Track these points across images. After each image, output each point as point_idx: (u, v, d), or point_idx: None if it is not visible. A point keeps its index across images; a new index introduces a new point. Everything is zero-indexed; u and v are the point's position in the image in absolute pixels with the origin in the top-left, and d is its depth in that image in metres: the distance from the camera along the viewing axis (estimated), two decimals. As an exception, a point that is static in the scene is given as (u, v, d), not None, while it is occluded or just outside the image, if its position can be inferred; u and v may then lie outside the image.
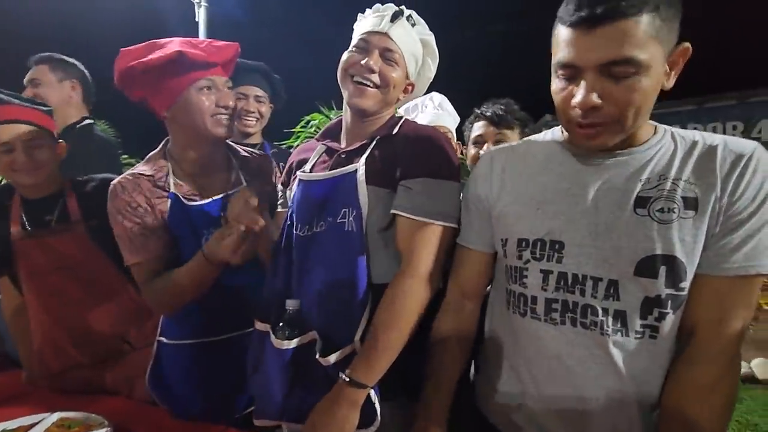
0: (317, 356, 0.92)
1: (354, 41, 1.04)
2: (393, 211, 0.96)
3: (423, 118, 1.69)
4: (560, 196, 0.83)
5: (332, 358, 0.92)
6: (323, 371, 0.94)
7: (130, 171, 1.18)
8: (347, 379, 0.88)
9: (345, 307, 0.95)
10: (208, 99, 1.12)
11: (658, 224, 0.73)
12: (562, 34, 0.73)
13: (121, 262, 1.17)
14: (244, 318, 1.20)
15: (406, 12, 1.04)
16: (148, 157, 1.22)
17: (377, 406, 0.91)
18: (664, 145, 0.79)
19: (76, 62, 1.94)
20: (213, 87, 1.14)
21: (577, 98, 0.73)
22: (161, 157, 1.20)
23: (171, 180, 1.16)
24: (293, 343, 0.94)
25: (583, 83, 0.72)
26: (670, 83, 0.75)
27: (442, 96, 1.75)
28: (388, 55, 1.02)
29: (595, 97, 0.71)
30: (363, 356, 0.91)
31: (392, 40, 1.01)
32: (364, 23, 1.04)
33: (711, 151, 0.74)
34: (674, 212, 0.73)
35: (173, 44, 1.11)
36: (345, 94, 1.04)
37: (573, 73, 0.74)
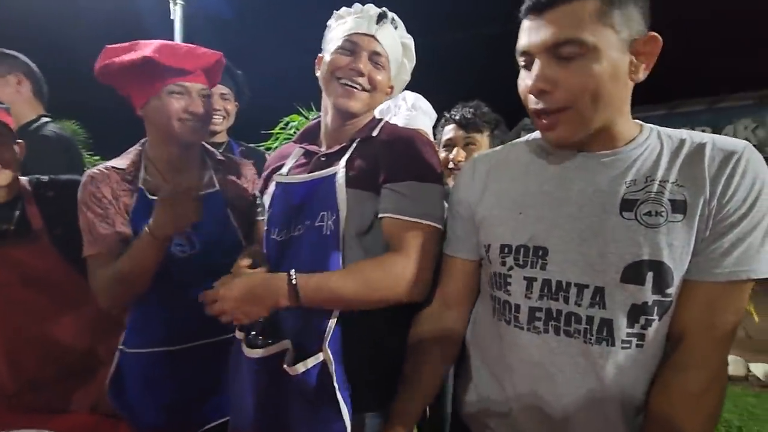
0: (285, 366, 0.89)
1: (338, 42, 1.01)
2: (381, 215, 0.94)
3: (397, 120, 1.64)
4: (543, 200, 0.81)
5: (300, 367, 0.88)
6: (295, 382, 0.90)
7: (104, 164, 1.20)
8: (292, 275, 0.88)
9: (317, 312, 0.92)
10: (177, 103, 1.15)
11: (645, 228, 0.71)
12: (521, 26, 0.77)
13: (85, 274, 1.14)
14: (210, 326, 1.16)
15: (390, 15, 1.03)
16: (125, 152, 1.25)
17: (347, 420, 0.88)
18: (650, 145, 0.77)
19: (18, 54, 1.80)
20: (184, 92, 1.15)
21: (528, 83, 0.75)
22: (136, 153, 1.22)
23: (141, 175, 1.18)
24: (264, 352, 0.91)
25: (534, 67, 0.74)
26: (640, 75, 0.74)
27: (416, 95, 1.72)
28: (375, 59, 1.01)
29: (543, 81, 0.73)
30: (318, 276, 0.89)
31: (379, 42, 1.00)
32: (348, 24, 1.02)
33: (699, 150, 0.72)
34: (662, 216, 0.71)
35: (149, 47, 1.12)
36: (330, 96, 1.02)
37: (529, 60, 0.75)
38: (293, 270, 0.89)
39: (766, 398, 3.01)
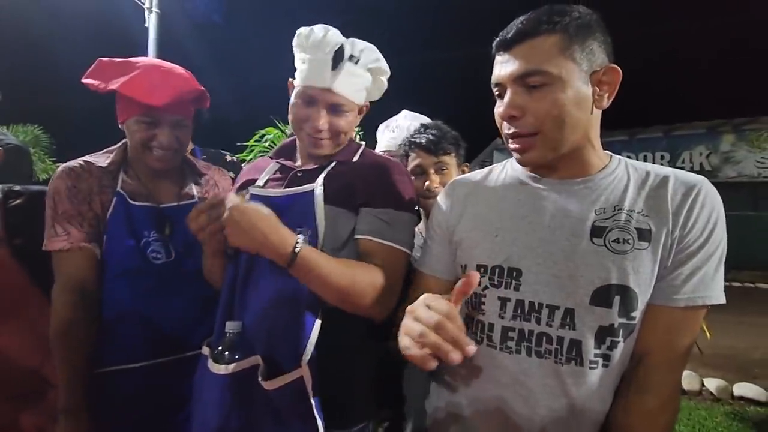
0: (260, 380, 0.87)
1: (299, 87, 1.00)
2: (359, 236, 0.97)
3: (383, 140, 1.68)
4: (518, 223, 0.84)
5: (277, 382, 0.86)
6: (265, 399, 0.88)
7: (84, 158, 1.18)
8: (299, 240, 0.86)
9: (293, 329, 0.91)
10: (145, 134, 1.14)
11: (613, 254, 0.75)
12: (494, 61, 0.83)
13: (44, 287, 1.11)
14: (186, 338, 1.16)
15: (347, 51, 0.98)
16: (106, 150, 1.23)
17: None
18: (618, 176, 0.82)
19: None
20: (154, 123, 1.15)
21: (500, 110, 0.81)
22: (119, 154, 1.21)
23: (121, 177, 1.18)
24: (231, 368, 0.88)
25: (506, 96, 0.80)
26: (604, 104, 0.80)
27: (414, 114, 1.71)
28: (335, 108, 1.00)
29: (512, 108, 0.79)
30: (322, 255, 0.89)
31: (337, 93, 0.98)
32: (306, 67, 0.99)
33: (663, 183, 0.78)
34: (629, 243, 0.75)
35: (125, 77, 1.11)
36: (300, 141, 1.06)
37: (501, 90, 0.82)
38: (299, 234, 0.88)
39: (716, 411, 3.16)
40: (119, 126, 1.19)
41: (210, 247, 0.99)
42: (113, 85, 1.10)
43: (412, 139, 1.42)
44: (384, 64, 1.06)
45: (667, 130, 12.42)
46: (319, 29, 0.99)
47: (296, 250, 0.85)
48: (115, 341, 1.13)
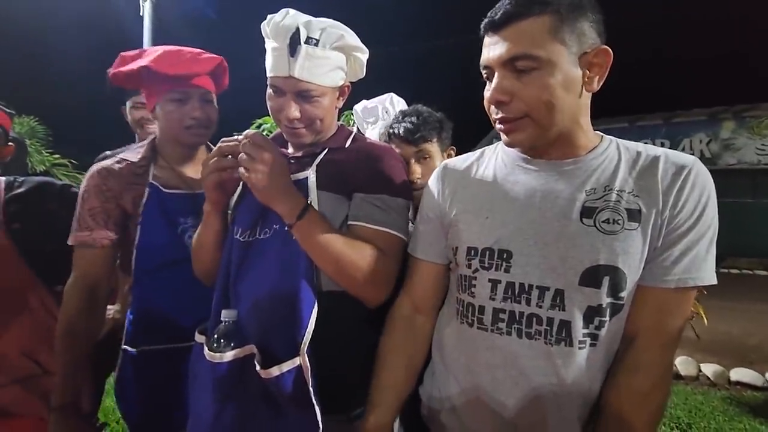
0: (258, 368, 0.87)
1: (268, 80, 0.99)
2: (353, 222, 0.97)
3: (384, 125, 1.62)
4: (509, 205, 0.85)
5: (275, 370, 0.86)
6: (261, 388, 0.89)
7: (116, 157, 1.25)
8: (311, 200, 0.94)
9: (289, 316, 0.91)
10: (179, 111, 1.19)
11: (603, 235, 0.76)
12: (483, 42, 0.82)
13: (42, 274, 1.18)
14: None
15: (303, 34, 0.92)
16: (138, 145, 1.31)
17: (319, 419, 0.88)
18: (608, 156, 0.82)
19: None
20: (186, 99, 1.19)
21: (488, 94, 0.80)
22: (148, 148, 1.27)
23: (152, 170, 1.24)
24: (226, 357, 0.89)
25: (494, 79, 0.79)
26: (594, 86, 0.79)
27: (399, 99, 1.70)
28: (303, 95, 0.97)
29: (501, 93, 0.77)
30: (327, 221, 0.94)
31: (301, 80, 0.94)
32: (269, 56, 0.96)
33: (653, 163, 0.78)
34: (619, 224, 0.75)
35: (151, 56, 1.16)
36: (282, 131, 1.06)
37: (490, 73, 0.80)
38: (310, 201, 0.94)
39: (713, 396, 3.19)
40: (150, 116, 1.25)
41: (213, 199, 0.98)
42: (142, 62, 1.13)
43: (390, 130, 1.38)
44: (353, 40, 1.00)
45: (667, 117, 12.33)
46: (279, 14, 0.95)
47: (309, 201, 0.90)
48: (155, 323, 1.18)
